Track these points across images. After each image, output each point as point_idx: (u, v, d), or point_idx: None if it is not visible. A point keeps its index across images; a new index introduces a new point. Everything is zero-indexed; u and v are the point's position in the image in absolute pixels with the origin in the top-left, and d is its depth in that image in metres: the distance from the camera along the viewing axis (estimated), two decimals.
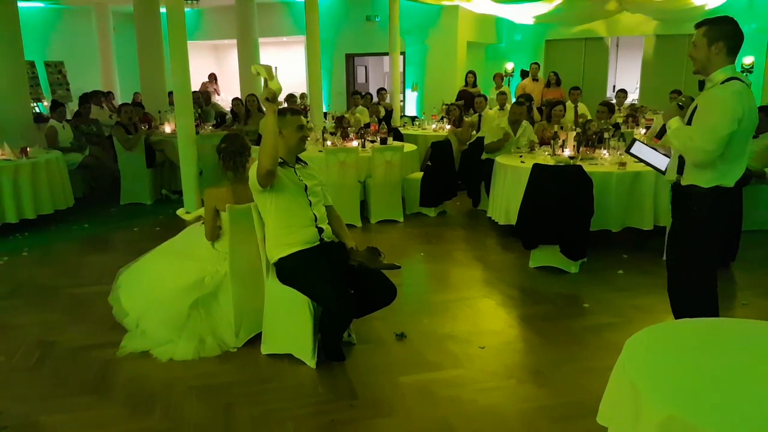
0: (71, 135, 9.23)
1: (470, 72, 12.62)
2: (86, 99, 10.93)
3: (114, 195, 8.85)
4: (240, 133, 4.73)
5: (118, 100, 14.66)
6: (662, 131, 3.59)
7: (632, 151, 3.89)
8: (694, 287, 3.63)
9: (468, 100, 10.68)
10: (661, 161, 3.79)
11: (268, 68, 3.58)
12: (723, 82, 3.28)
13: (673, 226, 3.66)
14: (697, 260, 3.57)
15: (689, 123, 3.40)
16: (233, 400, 3.49)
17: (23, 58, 9.12)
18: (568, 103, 10.37)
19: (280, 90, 3.56)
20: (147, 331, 4.17)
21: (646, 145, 3.93)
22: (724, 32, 3.28)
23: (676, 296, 3.73)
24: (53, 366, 3.95)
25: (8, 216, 6.89)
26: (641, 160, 3.92)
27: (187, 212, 4.52)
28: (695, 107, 3.41)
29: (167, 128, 9.49)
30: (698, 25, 3.37)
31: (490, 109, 10.31)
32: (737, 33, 3.30)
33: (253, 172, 3.64)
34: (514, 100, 10.56)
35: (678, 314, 3.71)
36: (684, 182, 3.47)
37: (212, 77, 15.84)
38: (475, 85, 12.34)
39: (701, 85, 3.45)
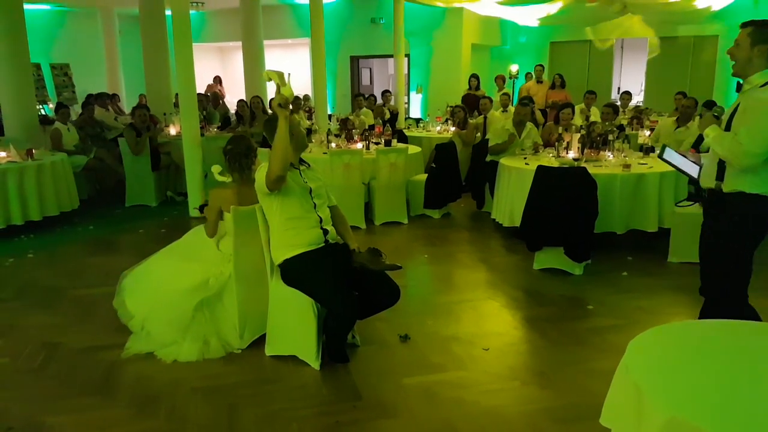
0: (76, 137, 9.27)
1: (473, 76, 12.59)
2: (88, 101, 10.97)
3: (119, 197, 8.89)
4: (245, 135, 4.75)
5: (124, 103, 14.73)
6: (699, 141, 3.59)
7: (664, 156, 3.87)
8: (728, 292, 3.62)
9: (472, 104, 10.67)
10: (691, 168, 3.78)
11: (280, 74, 3.58)
12: (763, 85, 3.27)
13: (711, 231, 3.61)
14: (736, 265, 3.56)
15: (728, 128, 3.39)
16: (237, 401, 3.50)
17: (29, 60, 9.16)
18: (581, 106, 10.35)
19: (292, 96, 3.57)
20: (152, 332, 4.18)
21: (676, 152, 3.91)
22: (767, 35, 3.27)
23: (711, 301, 3.71)
24: (58, 367, 3.96)
25: (14, 218, 6.92)
26: (673, 166, 3.90)
27: (220, 173, 4.55)
28: (734, 110, 3.39)
29: (172, 130, 9.53)
30: (744, 25, 3.36)
31: (495, 110, 10.31)
32: None
33: (260, 175, 3.65)
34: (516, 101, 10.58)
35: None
36: (726, 188, 3.43)
37: (217, 79, 15.90)
38: (478, 88, 12.32)
39: (738, 87, 3.43)
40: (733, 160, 3.30)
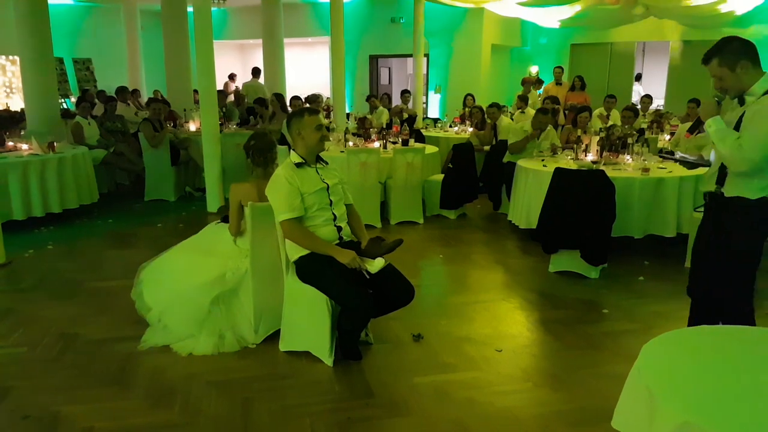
0: (97, 131, 9.36)
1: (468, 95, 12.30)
2: (110, 97, 11.06)
3: (138, 191, 8.98)
4: (265, 132, 4.80)
5: (145, 98, 14.85)
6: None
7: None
8: (733, 300, 3.55)
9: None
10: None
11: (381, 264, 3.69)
12: (766, 93, 3.23)
13: (710, 238, 3.55)
14: (740, 272, 3.49)
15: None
16: (251, 395, 3.53)
17: (52, 55, 9.27)
18: (600, 110, 10.26)
19: (375, 270, 3.68)
20: (168, 325, 4.22)
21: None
22: (737, 51, 3.24)
23: (708, 307, 3.67)
24: (75, 358, 4.02)
25: (35, 210, 7.01)
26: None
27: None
28: (741, 115, 3.30)
29: (192, 126, 9.60)
30: (707, 60, 3.32)
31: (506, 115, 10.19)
32: (748, 44, 3.27)
33: (272, 198, 3.81)
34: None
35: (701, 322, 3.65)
36: (729, 194, 3.38)
37: (232, 77, 16.00)
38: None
39: (741, 101, 3.37)
40: (731, 162, 3.26)
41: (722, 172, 3.41)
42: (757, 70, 3.26)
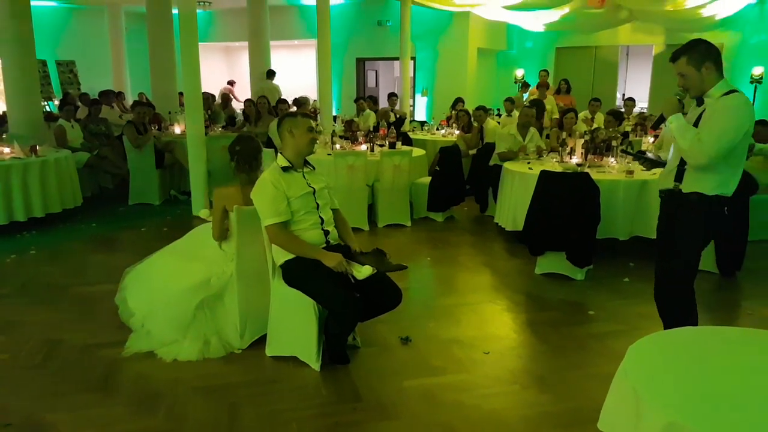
0: (81, 134, 9.28)
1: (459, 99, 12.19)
2: (95, 100, 10.99)
3: (122, 195, 8.90)
4: (251, 135, 4.77)
5: (129, 101, 14.78)
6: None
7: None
8: (679, 293, 3.62)
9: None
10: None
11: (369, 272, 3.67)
12: (725, 94, 3.32)
13: (668, 234, 3.62)
14: (686, 267, 3.57)
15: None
16: (237, 401, 3.50)
17: (35, 57, 9.17)
18: (585, 113, 10.30)
19: (361, 278, 3.66)
20: (152, 331, 4.18)
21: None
22: (704, 53, 3.35)
23: (663, 303, 3.72)
24: (59, 364, 3.97)
25: (17, 214, 6.92)
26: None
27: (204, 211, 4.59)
28: (700, 114, 3.40)
29: (177, 129, 9.55)
30: (675, 59, 3.42)
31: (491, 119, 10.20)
32: (714, 48, 3.40)
33: (257, 201, 3.79)
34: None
35: (667, 321, 3.68)
36: (686, 189, 3.46)
37: (231, 83, 16.03)
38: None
39: (700, 101, 3.46)
40: (690, 156, 3.34)
41: (680, 169, 3.48)
42: (718, 74, 3.39)
